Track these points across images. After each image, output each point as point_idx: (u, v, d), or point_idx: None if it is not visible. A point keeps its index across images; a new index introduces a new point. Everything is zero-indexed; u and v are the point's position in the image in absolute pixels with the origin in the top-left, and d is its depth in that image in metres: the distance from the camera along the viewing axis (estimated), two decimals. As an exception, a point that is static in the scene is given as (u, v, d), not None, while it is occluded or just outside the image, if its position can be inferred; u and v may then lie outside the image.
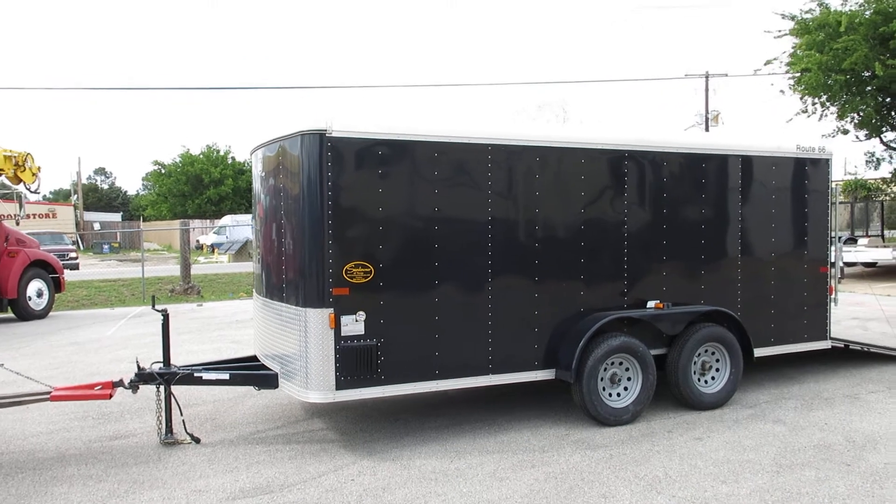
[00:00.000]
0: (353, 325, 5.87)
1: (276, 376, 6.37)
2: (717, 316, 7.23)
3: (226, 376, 6.43)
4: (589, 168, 6.74)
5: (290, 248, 6.15)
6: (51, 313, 16.17)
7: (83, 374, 9.51)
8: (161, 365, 6.46)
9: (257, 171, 7.00)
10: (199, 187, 58.18)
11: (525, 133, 6.57)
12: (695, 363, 7.06)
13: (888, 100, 25.65)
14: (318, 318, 5.80)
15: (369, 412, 7.21)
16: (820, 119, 26.33)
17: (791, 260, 7.84)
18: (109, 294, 20.85)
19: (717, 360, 7.21)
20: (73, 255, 27.43)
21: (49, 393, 6.15)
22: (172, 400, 6.45)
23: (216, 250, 39.26)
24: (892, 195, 33.26)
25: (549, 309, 6.57)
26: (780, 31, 26.84)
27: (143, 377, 6.36)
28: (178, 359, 8.33)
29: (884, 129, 26.87)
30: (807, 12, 25.70)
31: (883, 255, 20.12)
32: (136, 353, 11.08)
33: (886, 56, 23.28)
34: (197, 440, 6.41)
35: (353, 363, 5.86)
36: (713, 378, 7.18)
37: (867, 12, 23.91)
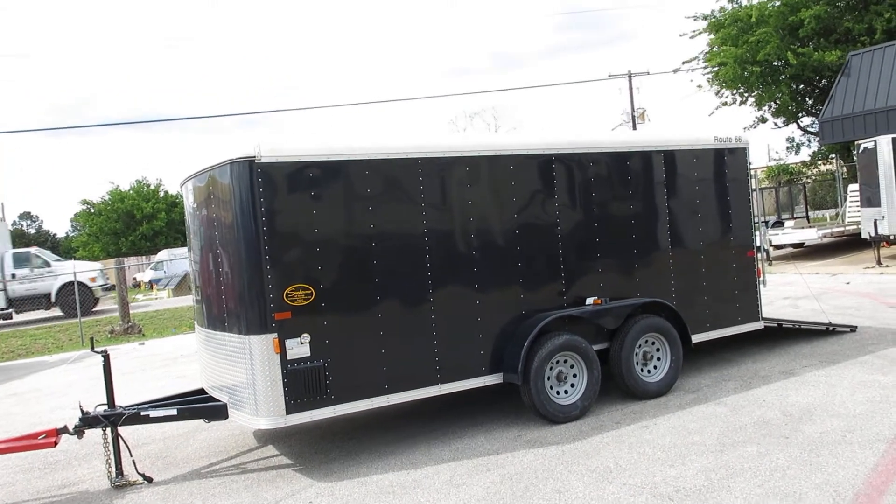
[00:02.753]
0: (299, 347, 5.88)
1: (224, 407, 6.33)
2: (654, 307, 7.46)
3: (173, 412, 6.36)
4: (518, 174, 6.90)
5: (229, 277, 6.13)
6: (-15, 366, 15.61)
7: (25, 424, 9.22)
8: (105, 407, 6.35)
9: (189, 202, 6.96)
10: (132, 224, 56.82)
11: (452, 143, 6.70)
12: (636, 354, 7.27)
13: (801, 87, 26.80)
14: (262, 344, 5.80)
15: (323, 433, 7.21)
16: (740, 105, 27.30)
17: (719, 247, 8.15)
18: (46, 341, 20.21)
19: (658, 350, 7.43)
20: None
21: (-11, 446, 5.98)
22: (120, 441, 6.34)
23: (155, 286, 38.39)
24: (813, 177, 34.69)
25: (491, 314, 6.69)
26: (694, 31, 27.86)
27: (87, 421, 6.24)
28: (124, 399, 8.16)
29: (800, 114, 28.05)
30: (719, 10, 26.71)
31: (809, 236, 20.94)
32: (79, 398, 10.78)
33: (797, 45, 24.34)
34: (149, 480, 6.31)
35: (301, 386, 5.87)
36: (655, 367, 7.40)
37: (775, 3, 24.94)
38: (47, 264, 25.57)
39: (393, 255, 6.28)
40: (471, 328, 6.59)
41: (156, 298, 35.13)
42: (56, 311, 26.28)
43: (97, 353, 6.41)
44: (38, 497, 6.30)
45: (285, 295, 5.84)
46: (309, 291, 5.93)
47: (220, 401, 6.49)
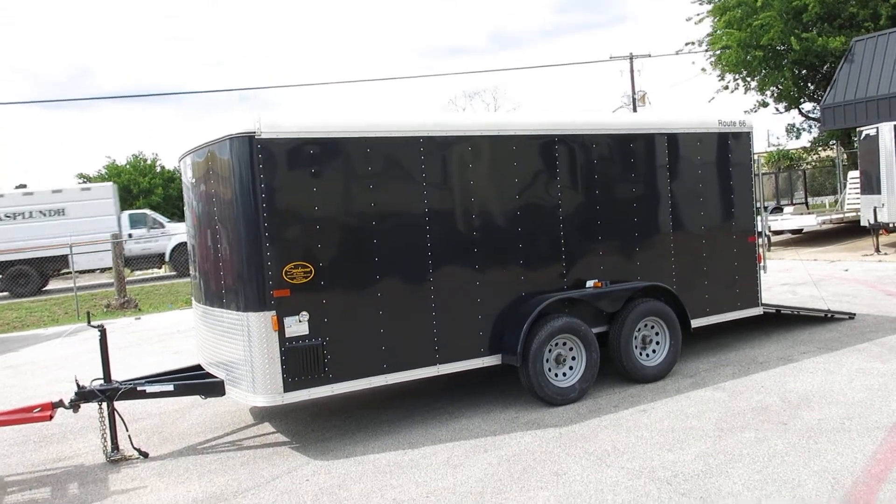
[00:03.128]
0: (297, 325, 5.84)
1: (221, 383, 6.30)
2: (654, 291, 7.43)
3: (170, 387, 6.33)
4: (521, 154, 6.83)
5: (227, 254, 6.07)
6: (-21, 338, 15.60)
7: (20, 398, 9.20)
8: (102, 381, 6.32)
9: (187, 177, 6.88)
10: (129, 198, 56.55)
11: (455, 122, 6.63)
12: (636, 338, 7.24)
13: (804, 72, 26.65)
14: (260, 322, 5.75)
15: (320, 411, 7.19)
16: (745, 92, 27.19)
17: (720, 232, 8.10)
18: (41, 314, 20.17)
19: (657, 334, 7.41)
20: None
21: (-16, 419, 5.95)
22: (116, 416, 6.31)
23: (152, 261, 38.23)
24: (813, 164, 34.61)
25: (491, 295, 6.65)
26: (699, 14, 27.66)
27: (83, 395, 6.21)
28: (120, 374, 8.13)
29: (801, 100, 27.92)
30: None
31: (808, 222, 20.91)
32: (75, 372, 10.75)
33: (800, 30, 24.17)
34: (145, 455, 6.30)
35: (299, 364, 5.83)
36: (654, 351, 7.38)
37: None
38: (161, 225, 26.21)
39: (393, 234, 6.23)
40: (470, 309, 6.55)
41: (152, 273, 35.01)
42: (50, 283, 26.31)
43: (94, 327, 6.37)
44: (33, 470, 6.28)
45: (284, 272, 5.79)
46: (308, 269, 5.88)
47: (217, 377, 6.46)
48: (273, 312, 5.75)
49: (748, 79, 26.91)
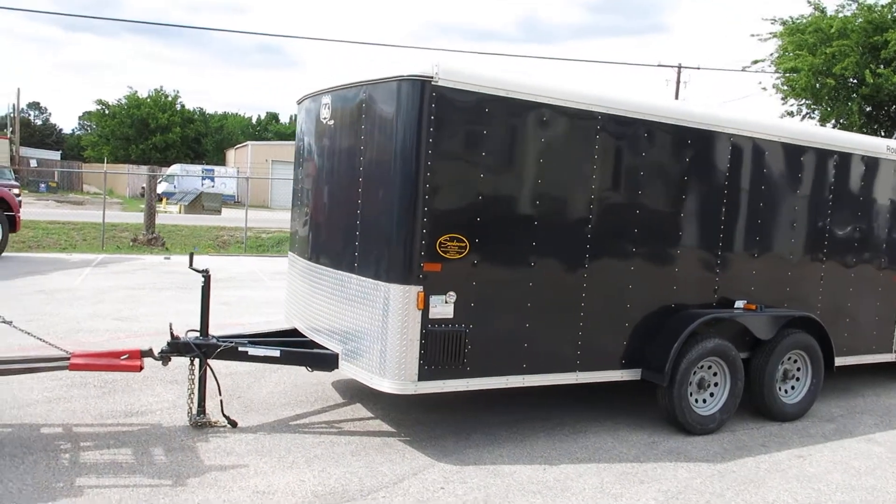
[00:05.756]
0: (443, 307, 5.05)
1: (335, 357, 5.51)
2: (801, 322, 6.67)
3: (276, 353, 5.54)
4: (694, 149, 6.04)
5: (372, 213, 5.25)
6: (2, 254, 14.76)
7: (64, 329, 8.42)
8: (198, 335, 5.53)
9: (318, 119, 6.01)
10: (145, 132, 55.46)
11: (636, 103, 5.76)
12: (778, 371, 6.50)
13: (870, 109, 25.82)
14: (403, 297, 4.96)
15: (416, 399, 6.38)
16: (803, 119, 26.33)
17: (869, 267, 7.34)
18: (59, 237, 19.36)
19: (799, 370, 6.67)
20: (16, 192, 25.41)
21: (67, 359, 5.15)
22: (209, 375, 5.53)
23: (165, 200, 37.36)
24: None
25: (640, 302, 5.89)
26: (769, 33, 26.74)
27: (177, 348, 5.42)
28: (169, 319, 7.32)
29: (863, 137, 27.09)
30: (799, 17, 25.67)
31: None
32: (113, 307, 9.99)
33: (875, 65, 23.36)
34: (234, 424, 5.54)
35: (438, 351, 5.05)
36: (793, 388, 6.65)
37: (858, 20, 23.97)
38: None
39: (555, 217, 5.44)
40: (618, 314, 5.79)
41: (165, 212, 34.15)
42: (60, 207, 25.37)
43: (198, 271, 5.57)
44: (103, 422, 5.51)
45: (439, 244, 4.99)
46: (463, 244, 5.09)
47: (327, 348, 5.66)
48: (420, 288, 4.96)
49: (813, 107, 26.04)
